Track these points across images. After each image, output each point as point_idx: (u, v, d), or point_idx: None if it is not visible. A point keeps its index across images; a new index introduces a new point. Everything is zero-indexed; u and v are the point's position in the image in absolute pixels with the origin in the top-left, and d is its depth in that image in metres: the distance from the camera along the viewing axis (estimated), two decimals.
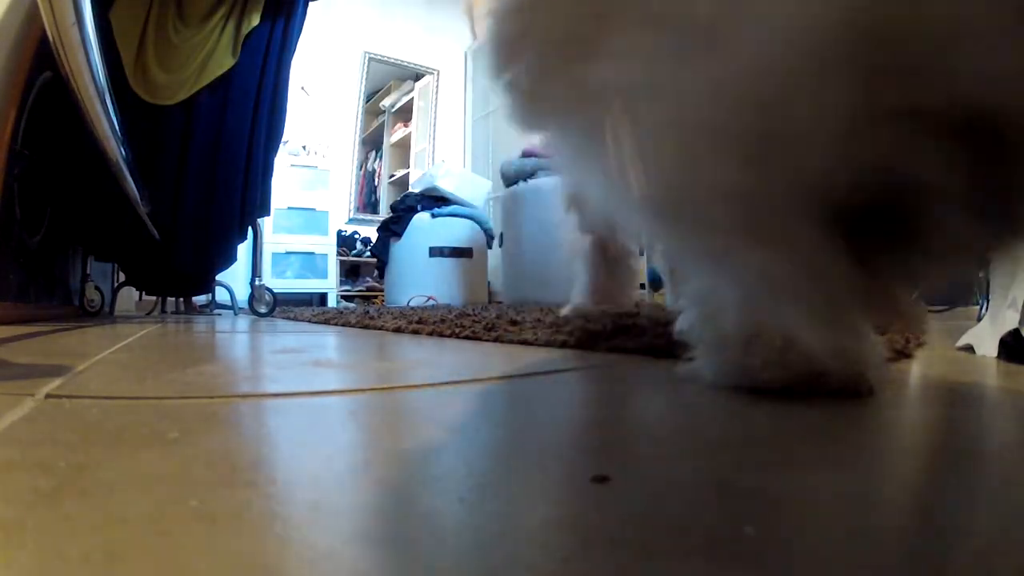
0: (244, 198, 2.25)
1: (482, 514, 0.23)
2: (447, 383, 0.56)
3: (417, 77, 5.07)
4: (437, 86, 5.03)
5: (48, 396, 0.47)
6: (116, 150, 1.48)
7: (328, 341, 1.12)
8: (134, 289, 2.50)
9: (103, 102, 1.30)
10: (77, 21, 1.08)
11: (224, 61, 2.10)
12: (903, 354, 0.67)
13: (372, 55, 4.80)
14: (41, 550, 0.19)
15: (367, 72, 4.82)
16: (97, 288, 2.22)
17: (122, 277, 2.38)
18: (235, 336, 1.28)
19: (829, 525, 0.22)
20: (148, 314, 2.55)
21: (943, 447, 0.34)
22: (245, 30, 2.13)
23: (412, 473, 0.30)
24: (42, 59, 1.55)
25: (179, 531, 0.21)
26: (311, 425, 0.41)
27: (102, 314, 2.22)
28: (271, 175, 2.38)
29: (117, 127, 1.44)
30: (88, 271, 2.17)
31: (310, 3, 2.35)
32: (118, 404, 0.46)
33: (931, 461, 0.31)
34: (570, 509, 0.24)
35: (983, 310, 0.72)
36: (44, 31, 1.46)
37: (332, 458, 0.33)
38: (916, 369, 0.61)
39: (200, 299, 2.77)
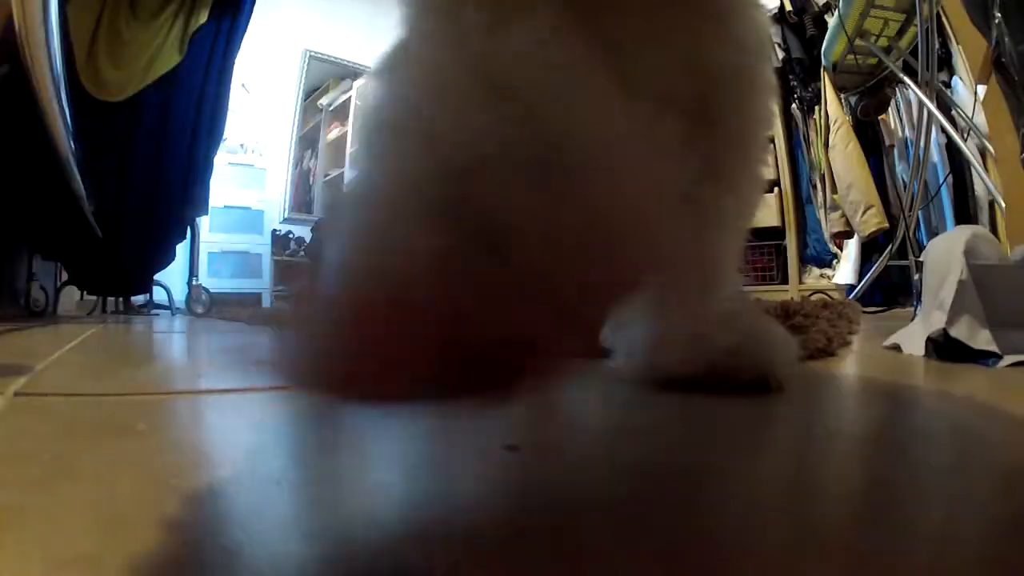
0: (185, 196, 2.24)
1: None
2: None
3: (356, 76, 5.03)
4: None
5: (16, 394, 0.49)
6: (66, 146, 1.45)
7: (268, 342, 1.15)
8: (75, 289, 2.45)
9: (59, 98, 1.28)
10: (44, 18, 1.06)
11: (171, 58, 2.08)
12: (826, 352, 0.72)
13: (313, 53, 4.74)
14: (45, 529, 0.22)
15: (307, 70, 4.76)
16: (42, 288, 2.16)
17: (65, 276, 2.33)
18: (178, 337, 1.30)
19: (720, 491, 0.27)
20: (89, 314, 2.48)
21: (820, 432, 0.39)
22: (192, 27, 2.11)
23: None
24: None
25: (168, 505, 0.24)
26: (260, 415, 0.45)
27: (46, 314, 2.17)
28: (211, 173, 2.37)
29: (70, 123, 1.42)
30: (34, 270, 2.12)
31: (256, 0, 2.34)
32: (85, 400, 0.49)
33: (807, 443, 0.37)
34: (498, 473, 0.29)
35: (916, 311, 0.80)
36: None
37: (286, 443, 0.38)
38: (835, 367, 0.67)
39: (138, 299, 2.71)
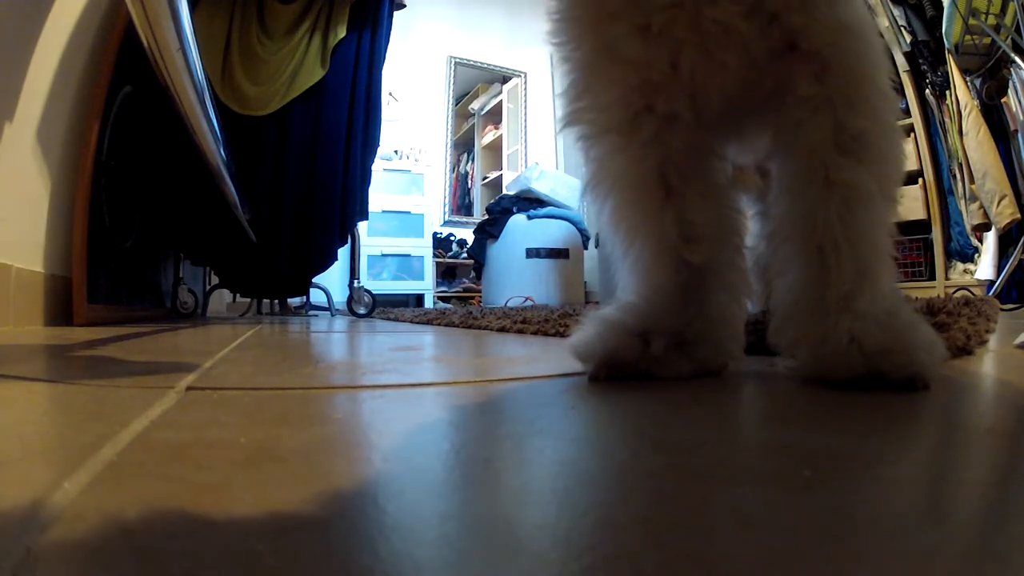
0: (344, 202, 2.32)
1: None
2: (567, 375, 0.59)
3: (504, 80, 5.11)
4: (525, 88, 5.06)
5: (189, 388, 0.49)
6: (217, 157, 1.57)
7: (439, 340, 1.16)
8: (227, 291, 2.63)
9: (204, 110, 1.39)
10: (181, 47, 1.15)
11: (314, 73, 2.19)
12: (964, 351, 0.72)
13: (457, 59, 4.89)
14: (259, 500, 0.23)
15: (454, 76, 4.92)
16: (191, 291, 2.36)
17: (214, 280, 2.51)
18: (346, 336, 1.32)
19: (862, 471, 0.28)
20: (242, 315, 2.68)
21: (955, 426, 0.40)
22: (332, 42, 2.21)
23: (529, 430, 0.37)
24: (121, 74, 1.67)
25: (382, 477, 0.27)
26: (448, 406, 0.45)
27: (195, 316, 2.36)
28: (369, 181, 2.45)
29: (219, 134, 1.54)
30: (181, 275, 2.31)
31: (395, 12, 2.41)
32: (265, 394, 0.49)
33: (943, 435, 0.38)
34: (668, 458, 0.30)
35: None
36: (119, 48, 1.58)
37: (468, 428, 0.39)
38: (972, 366, 0.66)
39: (295, 301, 2.88)
